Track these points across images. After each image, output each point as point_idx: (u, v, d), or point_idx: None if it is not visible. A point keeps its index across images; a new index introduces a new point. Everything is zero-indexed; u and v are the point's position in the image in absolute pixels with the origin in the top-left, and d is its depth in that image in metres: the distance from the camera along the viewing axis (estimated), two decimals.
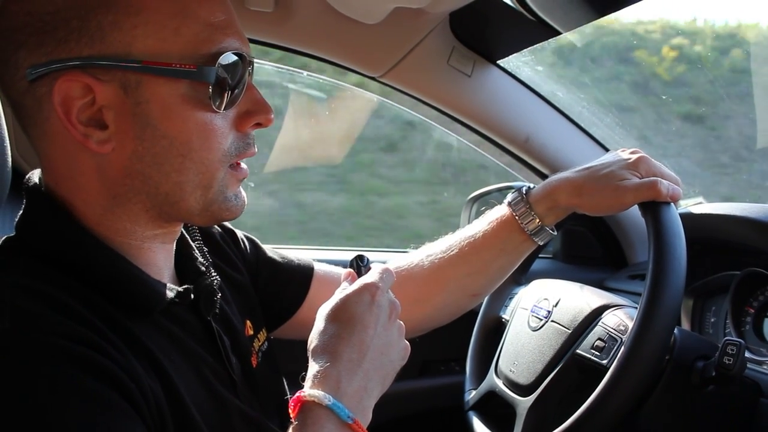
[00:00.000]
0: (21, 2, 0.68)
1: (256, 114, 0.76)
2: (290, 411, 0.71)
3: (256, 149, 0.79)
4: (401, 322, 0.83)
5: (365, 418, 0.73)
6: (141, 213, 0.74)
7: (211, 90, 0.70)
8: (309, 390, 0.71)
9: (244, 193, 0.80)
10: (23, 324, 0.61)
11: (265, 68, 1.75)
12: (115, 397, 0.61)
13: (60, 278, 0.68)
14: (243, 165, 0.78)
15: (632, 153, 1.02)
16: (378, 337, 0.77)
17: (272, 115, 0.78)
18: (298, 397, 0.71)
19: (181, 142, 0.71)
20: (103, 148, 0.70)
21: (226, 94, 0.72)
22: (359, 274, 0.87)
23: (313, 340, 0.78)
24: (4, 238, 0.74)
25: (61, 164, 0.72)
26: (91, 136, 0.69)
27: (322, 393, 0.70)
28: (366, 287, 0.80)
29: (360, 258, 0.89)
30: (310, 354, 0.77)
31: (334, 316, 0.78)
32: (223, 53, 0.71)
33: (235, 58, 0.72)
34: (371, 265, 0.88)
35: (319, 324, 0.79)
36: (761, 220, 1.08)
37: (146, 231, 0.75)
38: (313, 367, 0.74)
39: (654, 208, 0.94)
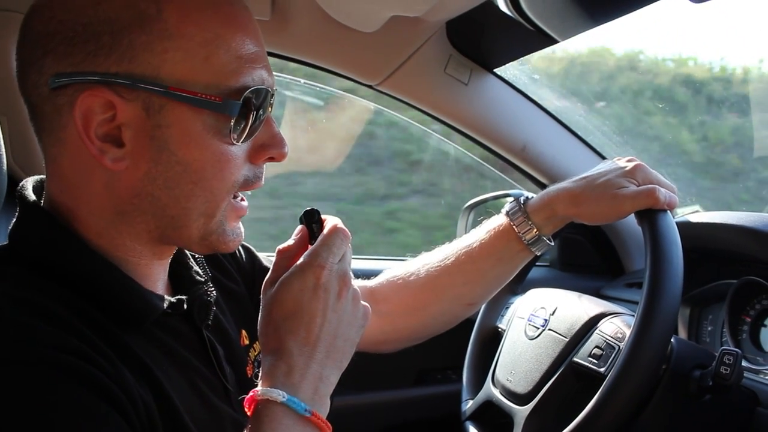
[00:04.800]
0: (54, 8, 0.67)
1: (271, 148, 0.76)
2: (246, 410, 0.70)
3: (263, 182, 0.78)
4: (356, 288, 0.78)
5: (324, 407, 0.72)
6: (143, 233, 0.73)
7: (233, 123, 0.70)
8: (261, 388, 0.69)
9: (242, 228, 0.79)
10: (13, 334, 0.60)
11: None
12: (105, 408, 0.60)
13: (51, 288, 0.67)
14: (244, 202, 0.78)
15: (629, 161, 1.02)
16: (328, 322, 0.73)
17: (286, 150, 0.77)
18: (251, 396, 0.69)
19: (195, 170, 0.70)
20: (117, 166, 0.69)
21: (246, 127, 0.72)
22: (311, 234, 0.79)
23: (260, 333, 0.75)
24: None
25: (70, 173, 0.72)
26: (106, 153, 0.68)
27: (275, 390, 0.68)
28: (308, 268, 0.74)
29: (310, 213, 0.80)
30: (261, 347, 0.75)
31: (276, 306, 0.74)
32: (249, 88, 0.70)
33: (260, 91, 0.72)
34: (325, 220, 0.80)
35: (263, 311, 0.76)
36: (758, 229, 1.08)
37: (145, 249, 0.75)
38: (263, 364, 0.73)
39: (651, 216, 0.94)
